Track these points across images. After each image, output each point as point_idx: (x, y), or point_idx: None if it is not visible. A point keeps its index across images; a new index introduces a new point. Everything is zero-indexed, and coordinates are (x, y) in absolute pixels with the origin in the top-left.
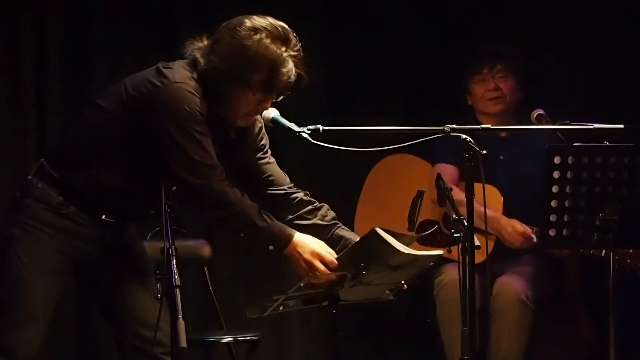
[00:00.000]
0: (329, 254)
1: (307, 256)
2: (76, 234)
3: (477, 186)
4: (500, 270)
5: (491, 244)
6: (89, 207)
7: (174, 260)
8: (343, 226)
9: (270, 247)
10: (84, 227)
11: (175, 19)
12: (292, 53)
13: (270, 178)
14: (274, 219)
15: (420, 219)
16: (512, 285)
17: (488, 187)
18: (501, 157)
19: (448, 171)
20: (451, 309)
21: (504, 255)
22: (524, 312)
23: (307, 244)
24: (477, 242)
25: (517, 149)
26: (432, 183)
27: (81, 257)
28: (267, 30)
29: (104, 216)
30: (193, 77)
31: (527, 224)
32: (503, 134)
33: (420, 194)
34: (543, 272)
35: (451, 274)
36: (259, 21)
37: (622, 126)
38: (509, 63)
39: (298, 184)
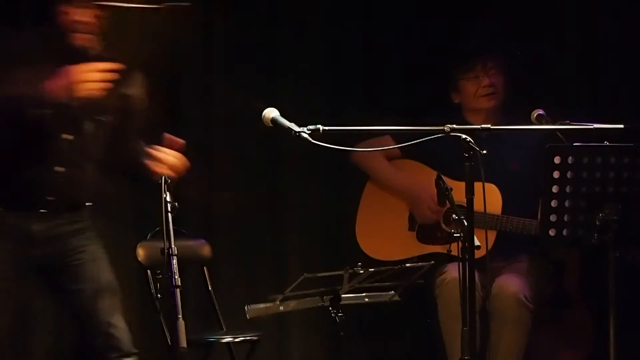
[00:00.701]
0: None
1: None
2: (10, 235)
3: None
4: (499, 269)
5: (491, 240)
6: (9, 201)
7: (174, 260)
8: None
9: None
10: (16, 225)
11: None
12: None
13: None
14: None
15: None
16: (510, 285)
17: (488, 185)
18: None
19: (387, 144)
20: (453, 308)
21: (503, 254)
22: (523, 312)
23: None
24: (477, 242)
25: (501, 145)
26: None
27: (25, 260)
28: None
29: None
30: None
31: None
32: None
33: None
34: (542, 272)
35: (453, 272)
36: None
37: (622, 126)
38: (500, 60)
39: (298, 184)
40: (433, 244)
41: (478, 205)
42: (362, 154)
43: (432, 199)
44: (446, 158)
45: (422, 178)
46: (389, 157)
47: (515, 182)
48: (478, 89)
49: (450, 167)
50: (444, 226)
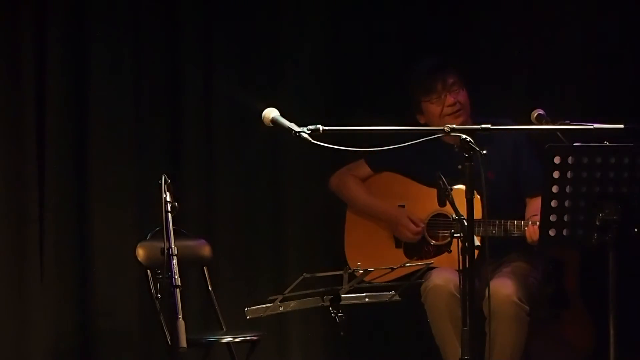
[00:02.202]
0: None
1: None
2: None
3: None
4: (492, 272)
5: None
6: None
7: (174, 260)
8: None
9: None
10: None
11: (176, 18)
12: None
13: None
14: None
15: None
16: (503, 288)
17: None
18: (459, 167)
19: (361, 171)
20: (439, 314)
21: (494, 256)
22: (517, 313)
23: None
24: (476, 242)
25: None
26: (414, 199)
27: None
28: None
29: None
30: None
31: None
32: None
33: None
34: (540, 272)
35: (435, 279)
36: None
37: (622, 126)
38: (458, 74)
39: (298, 184)
40: (421, 259)
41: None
42: (336, 185)
43: (410, 219)
44: (418, 165)
45: (399, 190)
46: (363, 177)
47: (494, 186)
48: (443, 109)
49: (422, 174)
50: (429, 239)
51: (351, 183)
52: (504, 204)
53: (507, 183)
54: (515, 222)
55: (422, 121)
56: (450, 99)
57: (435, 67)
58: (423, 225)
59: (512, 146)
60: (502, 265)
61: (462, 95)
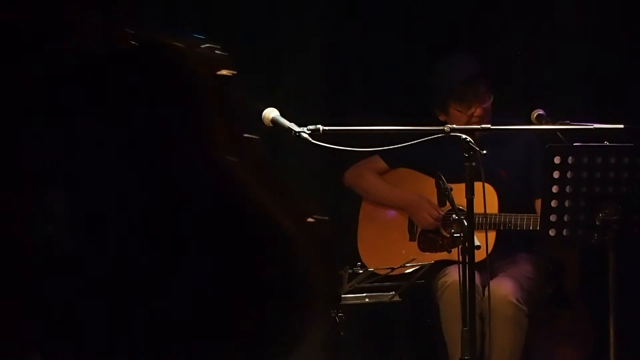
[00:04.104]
0: None
1: None
2: None
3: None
4: (495, 271)
5: (491, 242)
6: None
7: None
8: None
9: None
10: None
11: (177, 18)
12: None
13: None
14: None
15: (420, 228)
16: (502, 288)
17: (484, 185)
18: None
19: (377, 166)
20: (455, 311)
21: (500, 254)
22: (517, 315)
23: None
24: (477, 242)
25: (495, 148)
26: (430, 195)
27: None
28: None
29: None
30: None
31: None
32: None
33: None
34: (540, 272)
35: (454, 275)
36: None
37: (622, 126)
38: (488, 82)
39: (298, 184)
40: (435, 252)
41: (477, 207)
42: (352, 178)
43: (430, 203)
44: (434, 161)
45: (416, 186)
46: (379, 172)
47: (507, 183)
48: (470, 118)
49: (437, 169)
50: (443, 232)
51: (369, 175)
52: (515, 202)
53: (518, 183)
54: (526, 216)
55: (441, 118)
56: (479, 110)
57: (471, 76)
58: (442, 212)
59: (525, 146)
60: (506, 266)
61: (489, 103)
